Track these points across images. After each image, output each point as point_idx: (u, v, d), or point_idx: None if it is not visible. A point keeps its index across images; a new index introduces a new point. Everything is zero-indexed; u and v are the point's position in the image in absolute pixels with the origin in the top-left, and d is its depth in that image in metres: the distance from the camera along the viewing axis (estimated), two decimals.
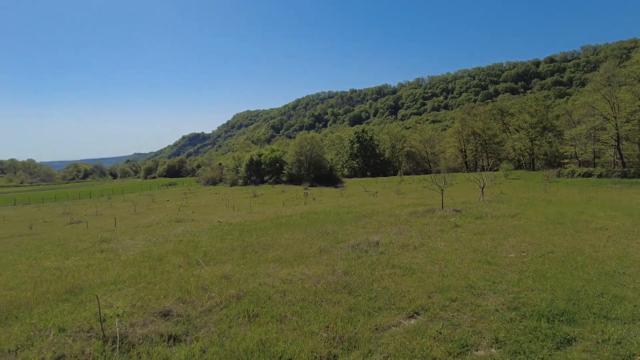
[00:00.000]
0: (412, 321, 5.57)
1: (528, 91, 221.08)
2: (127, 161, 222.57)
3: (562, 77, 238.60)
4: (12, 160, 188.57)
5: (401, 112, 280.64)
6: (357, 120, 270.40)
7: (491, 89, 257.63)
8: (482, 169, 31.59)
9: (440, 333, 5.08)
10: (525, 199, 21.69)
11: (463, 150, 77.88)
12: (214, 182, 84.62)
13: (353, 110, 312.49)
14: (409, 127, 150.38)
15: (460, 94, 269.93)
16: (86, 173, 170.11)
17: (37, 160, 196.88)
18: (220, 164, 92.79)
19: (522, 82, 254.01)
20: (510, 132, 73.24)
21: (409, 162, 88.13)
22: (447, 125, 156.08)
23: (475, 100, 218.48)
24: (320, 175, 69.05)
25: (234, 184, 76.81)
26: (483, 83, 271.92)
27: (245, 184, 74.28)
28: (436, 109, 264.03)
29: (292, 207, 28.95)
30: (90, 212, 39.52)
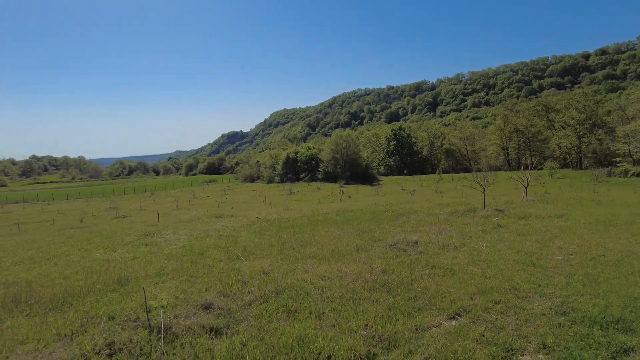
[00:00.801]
0: (454, 322, 5.43)
1: (576, 86, 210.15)
2: (169, 158, 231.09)
3: (615, 70, 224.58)
4: (65, 158, 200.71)
5: (440, 108, 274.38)
6: (394, 117, 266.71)
7: (535, 84, 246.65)
8: (526, 168, 30.30)
9: (484, 336, 4.92)
10: (572, 199, 20.64)
11: (505, 148, 75.06)
12: (251, 179, 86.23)
13: (390, 107, 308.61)
14: (448, 124, 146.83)
15: (502, 89, 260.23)
16: (131, 170, 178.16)
17: (87, 158, 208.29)
18: (257, 161, 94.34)
19: (569, 77, 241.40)
20: (555, 129, 69.83)
21: (448, 160, 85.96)
22: (488, 122, 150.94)
23: (518, 96, 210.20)
24: (355, 173, 68.72)
25: (270, 181, 77.92)
26: (526, 78, 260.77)
27: (281, 181, 75.17)
28: (477, 105, 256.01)
29: (328, 205, 29.01)
30: (134, 207, 41.34)
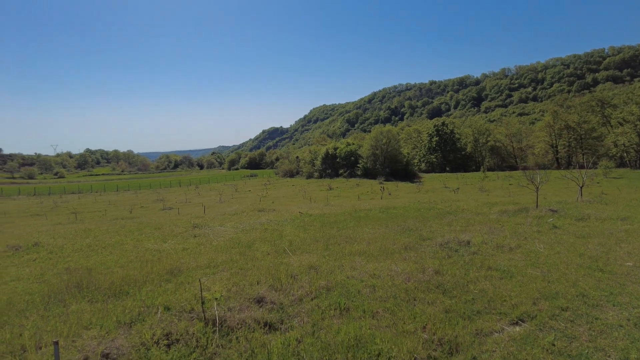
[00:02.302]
0: (517, 328, 5.10)
1: (636, 79, 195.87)
2: (213, 153, 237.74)
3: None
4: (115, 151, 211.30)
5: (484, 104, 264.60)
6: (436, 113, 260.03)
7: (589, 78, 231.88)
8: (581, 166, 28.58)
9: (554, 345, 4.57)
10: (634, 201, 19.19)
11: (554, 145, 71.28)
12: (291, 174, 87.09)
13: (432, 102, 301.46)
14: (493, 120, 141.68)
15: (551, 84, 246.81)
16: (176, 163, 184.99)
17: (135, 151, 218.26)
18: (297, 157, 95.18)
19: (629, 69, 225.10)
20: (612, 126, 65.49)
21: (492, 157, 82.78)
22: (535, 119, 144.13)
23: (569, 91, 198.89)
24: (396, 169, 67.60)
25: (309, 176, 78.32)
26: (579, 72, 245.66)
27: (320, 176, 75.34)
28: (524, 100, 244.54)
29: (368, 201, 28.72)
30: (180, 200, 42.76)
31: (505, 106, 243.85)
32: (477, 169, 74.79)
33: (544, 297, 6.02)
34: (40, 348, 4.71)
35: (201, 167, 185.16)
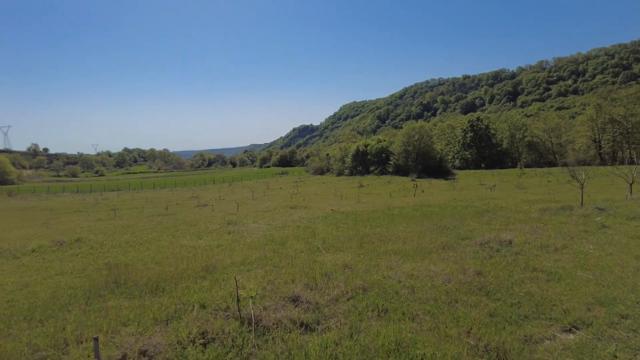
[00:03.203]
0: (571, 336, 4.73)
1: None
2: (245, 151, 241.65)
3: None
4: (152, 150, 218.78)
5: (521, 98, 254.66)
6: (470, 108, 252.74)
7: (636, 68, 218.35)
8: (630, 162, 26.92)
9: (616, 357, 4.19)
10: None
11: (597, 140, 67.64)
12: (321, 171, 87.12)
13: (466, 97, 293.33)
14: (530, 115, 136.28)
15: (593, 76, 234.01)
16: (210, 161, 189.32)
17: (171, 150, 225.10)
18: (327, 154, 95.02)
19: None
20: None
21: (530, 153, 79.51)
22: (576, 113, 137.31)
23: (613, 83, 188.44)
24: (428, 166, 66.24)
25: (340, 173, 78.05)
26: (625, 62, 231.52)
27: (351, 174, 74.92)
28: (563, 94, 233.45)
29: (401, 199, 28.19)
30: (214, 197, 43.59)
31: (543, 100, 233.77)
32: (514, 166, 72.18)
33: (599, 303, 5.58)
34: (82, 342, 4.78)
35: (234, 165, 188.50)
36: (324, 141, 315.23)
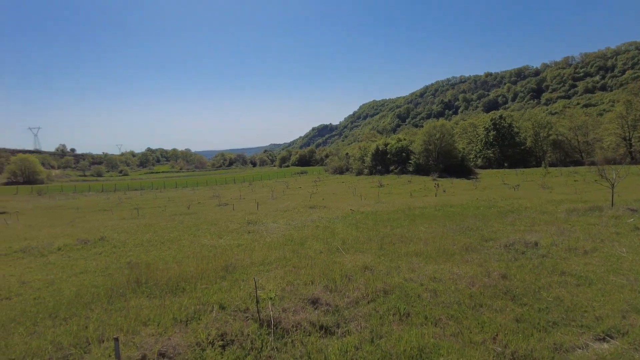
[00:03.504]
0: (605, 345, 4.49)
1: None
2: (265, 151, 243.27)
3: None
4: (174, 150, 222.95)
5: (545, 95, 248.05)
6: (492, 106, 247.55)
7: None
8: None
9: None
10: None
11: (627, 138, 65.11)
12: (340, 171, 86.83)
13: (488, 95, 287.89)
14: (555, 113, 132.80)
15: (623, 71, 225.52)
16: (231, 161, 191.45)
17: (193, 150, 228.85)
18: (347, 153, 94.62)
19: None
20: None
21: (555, 152, 77.24)
22: (604, 110, 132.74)
23: None
24: (450, 165, 65.11)
25: (359, 173, 77.61)
26: None
27: (370, 173, 74.39)
28: (590, 90, 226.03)
29: (422, 199, 27.80)
30: (234, 196, 43.99)
31: (569, 97, 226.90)
32: (538, 165, 70.30)
33: (635, 310, 5.30)
34: (103, 342, 4.81)
35: (254, 164, 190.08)
36: (343, 140, 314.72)
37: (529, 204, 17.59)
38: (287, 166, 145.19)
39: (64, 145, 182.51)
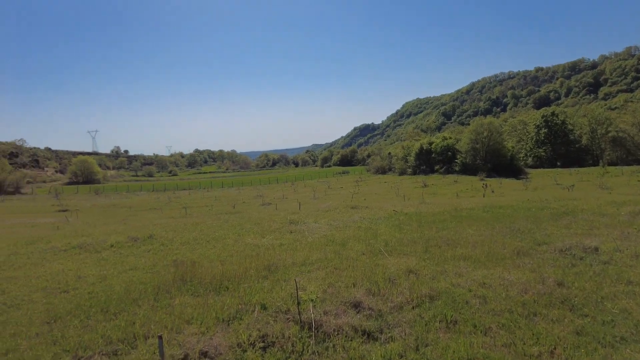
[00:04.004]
0: None
1: None
2: (307, 151, 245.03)
3: None
4: (220, 151, 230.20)
5: (603, 89, 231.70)
6: (543, 102, 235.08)
7: None
8: None
9: None
10: None
11: None
12: (382, 171, 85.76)
13: (538, 90, 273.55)
14: (615, 108, 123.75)
15: None
16: (274, 162, 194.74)
17: (238, 151, 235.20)
18: (389, 153, 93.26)
19: None
20: None
21: (614, 150, 71.86)
22: None
23: None
24: (498, 164, 62.37)
25: (402, 173, 76.24)
26: None
27: (414, 173, 72.84)
28: None
29: (469, 199, 26.77)
30: (277, 196, 44.56)
31: (631, 90, 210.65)
32: (595, 164, 65.79)
33: None
34: (148, 338, 4.92)
35: (296, 164, 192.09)
36: (385, 140, 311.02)
37: (585, 206, 16.45)
38: (329, 166, 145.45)
39: (118, 147, 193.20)
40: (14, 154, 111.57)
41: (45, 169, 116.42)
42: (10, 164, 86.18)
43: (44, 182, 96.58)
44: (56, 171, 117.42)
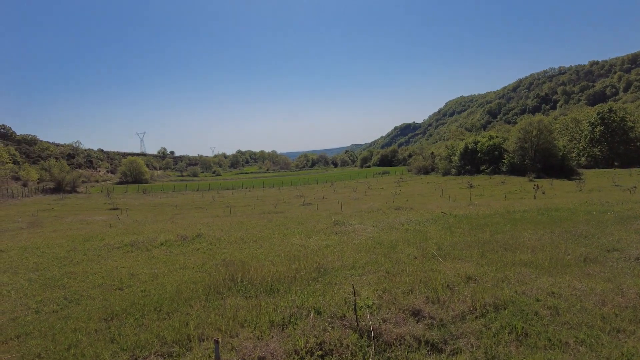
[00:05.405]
0: None
1: None
2: (346, 151, 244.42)
3: None
4: (262, 152, 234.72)
5: None
6: (598, 99, 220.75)
7: None
8: None
9: None
10: None
11: None
12: (425, 171, 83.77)
13: (593, 86, 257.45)
14: None
15: None
16: (313, 162, 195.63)
17: (278, 151, 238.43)
18: (432, 152, 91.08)
19: None
20: None
21: None
22: None
23: None
24: (548, 165, 59.13)
25: (446, 173, 74.09)
26: None
27: (458, 173, 70.58)
28: None
29: (518, 201, 25.48)
30: (317, 196, 44.57)
31: None
32: None
33: None
34: (203, 341, 4.85)
35: (335, 165, 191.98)
36: (427, 139, 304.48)
37: None
38: (369, 166, 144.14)
39: (164, 148, 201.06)
40: (72, 155, 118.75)
41: (98, 169, 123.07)
42: (68, 164, 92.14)
43: (97, 181, 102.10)
44: (108, 171, 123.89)
